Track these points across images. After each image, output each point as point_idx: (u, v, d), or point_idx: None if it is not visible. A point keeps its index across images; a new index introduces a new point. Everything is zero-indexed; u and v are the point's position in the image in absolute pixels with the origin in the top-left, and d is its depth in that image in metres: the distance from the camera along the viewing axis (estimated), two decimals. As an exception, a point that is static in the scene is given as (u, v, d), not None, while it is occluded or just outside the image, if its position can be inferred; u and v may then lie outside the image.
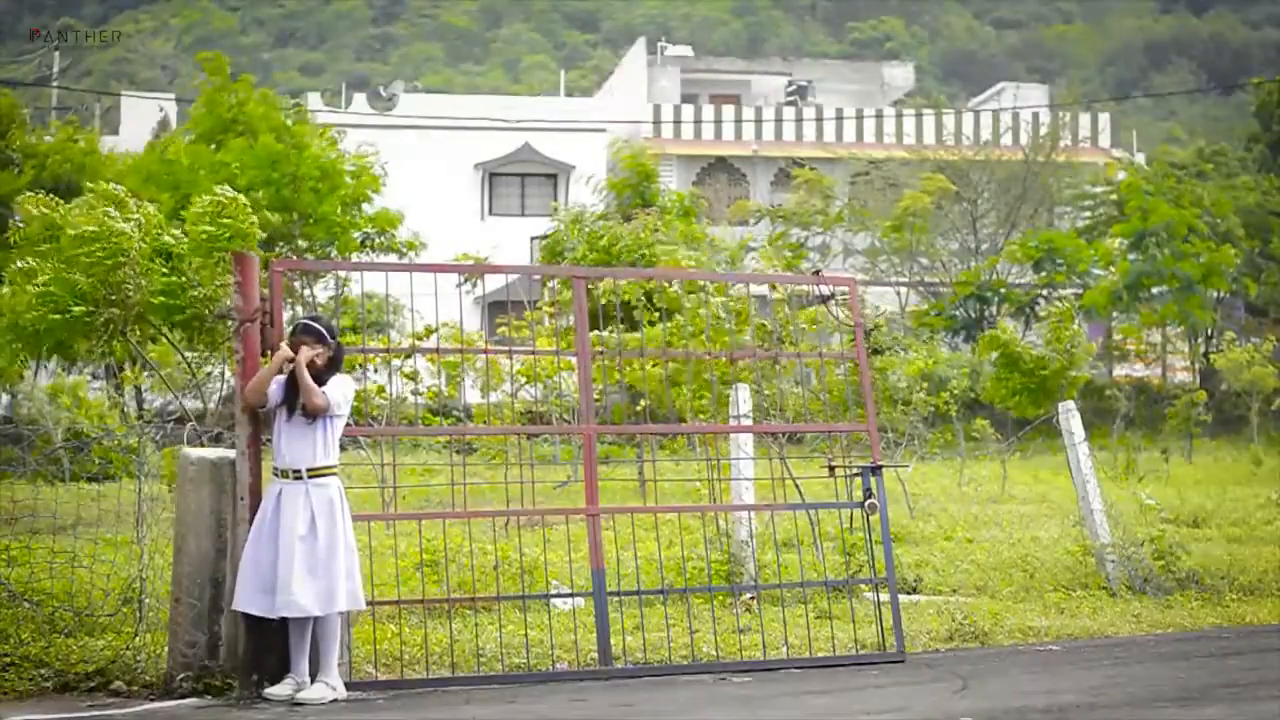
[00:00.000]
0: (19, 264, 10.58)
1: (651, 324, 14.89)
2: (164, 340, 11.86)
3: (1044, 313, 12.89)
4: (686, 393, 13.33)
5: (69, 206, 10.69)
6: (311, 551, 6.47)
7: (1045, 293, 31.43)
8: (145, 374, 21.81)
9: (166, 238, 10.38)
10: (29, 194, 11.45)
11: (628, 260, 19.80)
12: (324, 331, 6.78)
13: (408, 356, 15.96)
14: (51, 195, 11.07)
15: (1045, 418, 11.87)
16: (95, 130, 31.44)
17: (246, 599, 6.45)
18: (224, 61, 25.03)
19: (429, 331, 17.55)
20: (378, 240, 24.81)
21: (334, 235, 23.27)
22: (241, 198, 10.18)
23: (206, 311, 8.38)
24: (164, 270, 10.41)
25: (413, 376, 17.22)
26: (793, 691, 6.88)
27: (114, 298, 10.50)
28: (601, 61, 69.96)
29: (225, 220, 9.74)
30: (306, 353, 6.64)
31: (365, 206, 24.68)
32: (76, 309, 10.21)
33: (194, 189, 22.18)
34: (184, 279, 10.36)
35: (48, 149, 24.99)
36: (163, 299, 10.46)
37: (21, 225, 11.07)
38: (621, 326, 14.01)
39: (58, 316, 10.16)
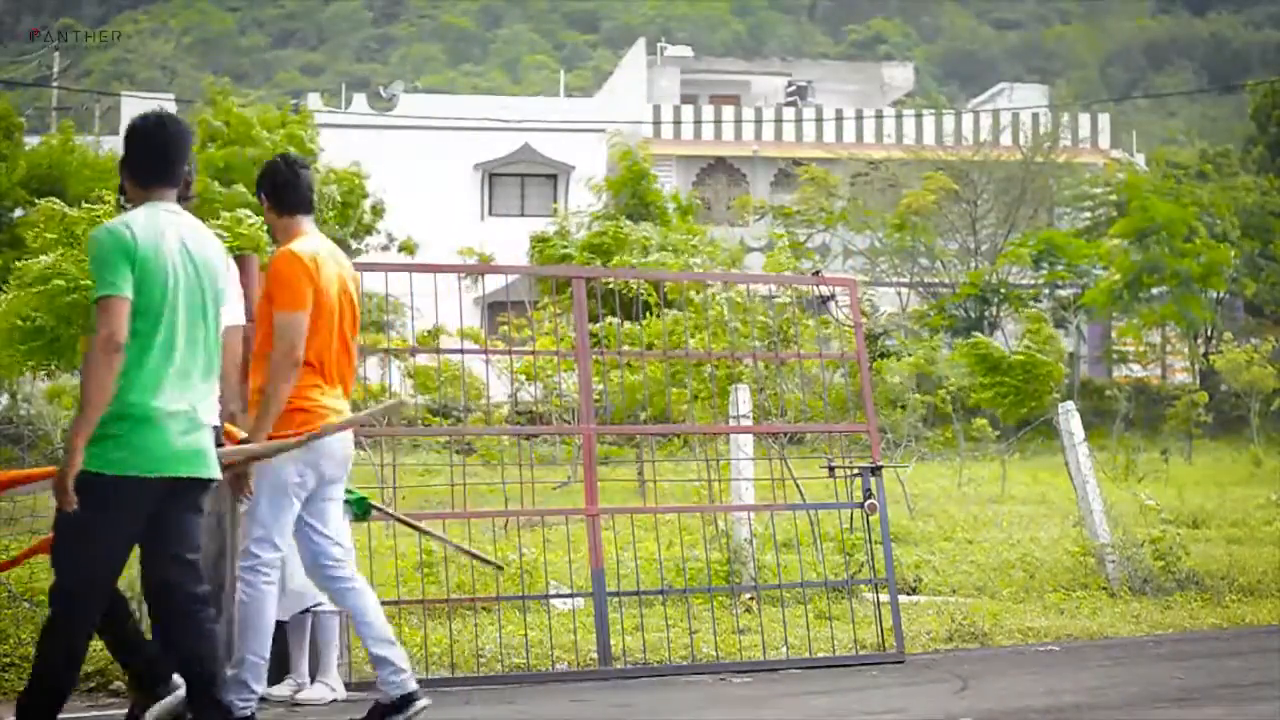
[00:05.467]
0: (28, 260, 10.91)
1: (654, 314, 14.91)
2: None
3: (1022, 317, 12.95)
4: (688, 393, 13.32)
5: (79, 213, 11.08)
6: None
7: (1048, 292, 31.43)
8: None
9: None
10: (42, 202, 11.82)
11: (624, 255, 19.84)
12: None
13: (405, 355, 15.94)
14: (52, 199, 11.33)
15: (1045, 418, 11.88)
16: (95, 132, 31.48)
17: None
18: (228, 93, 25.71)
19: (439, 332, 17.63)
20: (364, 229, 25.00)
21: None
22: (253, 217, 10.66)
23: None
24: None
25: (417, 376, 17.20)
26: (793, 692, 6.87)
27: None
28: (601, 62, 69.92)
29: (242, 232, 10.22)
30: None
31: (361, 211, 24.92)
32: (84, 282, 10.46)
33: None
34: None
35: (40, 152, 25.13)
36: None
37: (37, 227, 11.36)
38: (620, 322, 14.05)
39: (61, 284, 10.38)
